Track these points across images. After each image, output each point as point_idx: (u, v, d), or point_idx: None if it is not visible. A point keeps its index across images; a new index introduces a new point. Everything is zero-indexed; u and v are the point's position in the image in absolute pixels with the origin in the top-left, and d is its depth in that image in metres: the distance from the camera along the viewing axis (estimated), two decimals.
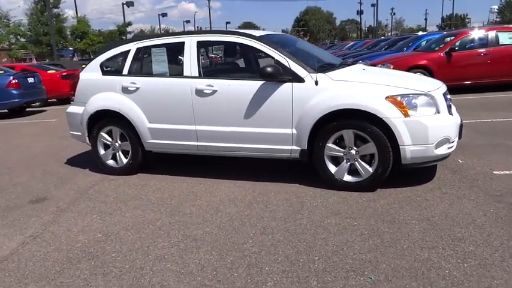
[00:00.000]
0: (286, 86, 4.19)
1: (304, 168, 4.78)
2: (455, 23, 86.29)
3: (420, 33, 24.54)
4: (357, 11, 78.23)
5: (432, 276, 2.59)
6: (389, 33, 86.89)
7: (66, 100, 14.80)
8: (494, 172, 4.40)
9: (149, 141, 4.92)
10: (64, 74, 14.17)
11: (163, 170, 5.20)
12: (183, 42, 4.72)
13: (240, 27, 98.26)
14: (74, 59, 25.82)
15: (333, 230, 3.31)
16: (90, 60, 5.49)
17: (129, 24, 41.71)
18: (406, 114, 3.84)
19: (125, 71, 5.00)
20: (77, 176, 5.29)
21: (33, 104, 13.71)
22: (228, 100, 4.44)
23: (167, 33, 5.24)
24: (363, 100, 3.92)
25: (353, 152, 4.08)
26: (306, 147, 4.22)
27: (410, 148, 3.86)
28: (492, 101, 8.84)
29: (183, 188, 4.56)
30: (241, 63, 5.33)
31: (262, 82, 4.28)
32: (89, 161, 5.91)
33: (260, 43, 4.43)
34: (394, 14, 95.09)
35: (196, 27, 70.10)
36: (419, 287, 2.49)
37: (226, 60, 5.42)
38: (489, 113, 7.37)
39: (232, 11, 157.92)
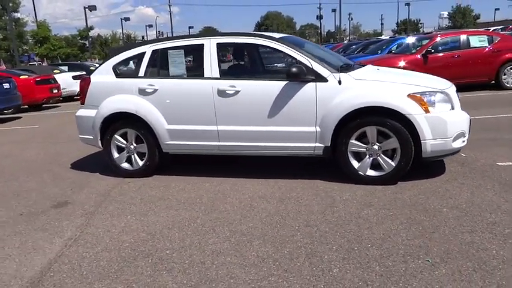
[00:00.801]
0: (310, 86, 4.36)
1: (319, 164, 4.97)
2: (409, 27, 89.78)
3: (383, 36, 25.50)
4: (317, 16, 79.89)
5: (483, 256, 2.81)
6: (347, 38, 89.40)
7: (39, 107, 14.39)
8: (498, 164, 4.74)
9: (168, 142, 4.95)
10: (38, 79, 13.73)
11: (179, 172, 5.23)
12: (202, 44, 4.80)
13: (200, 32, 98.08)
14: (44, 64, 24.94)
15: (373, 220, 3.50)
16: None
17: (91, 28, 40.74)
18: (426, 111, 4.10)
19: (141, 73, 5.01)
20: (90, 180, 5.23)
21: (6, 111, 13.19)
22: (251, 100, 4.56)
23: (184, 36, 5.29)
24: (386, 98, 4.15)
25: (375, 147, 4.30)
26: (329, 144, 4.39)
27: (430, 142, 4.12)
28: (471, 100, 9.37)
29: (208, 188, 4.62)
30: (261, 64, 5.46)
31: (285, 82, 4.43)
32: (95, 164, 5.86)
33: (281, 44, 4.58)
34: (352, 19, 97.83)
35: (157, 32, 69.34)
36: (474, 266, 2.71)
37: (246, 62, 5.52)
38: (476, 111, 7.83)
39: (191, 16, 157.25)
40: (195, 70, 4.94)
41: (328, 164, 4.84)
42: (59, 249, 3.37)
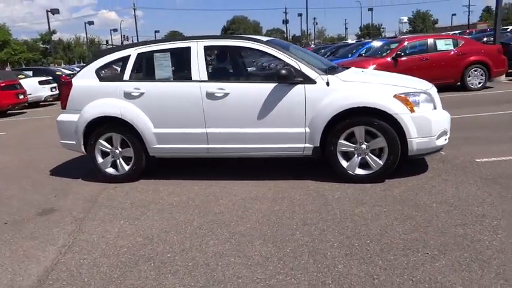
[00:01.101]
0: (299, 88, 4.43)
1: (308, 165, 5.05)
2: (372, 32, 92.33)
3: (349, 41, 26.13)
4: (283, 21, 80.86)
5: (477, 247, 2.95)
6: (312, 42, 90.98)
7: (4, 113, 13.85)
8: (476, 160, 4.97)
9: (155, 146, 4.90)
10: (3, 85, 13.22)
11: (166, 175, 5.18)
12: (189, 47, 4.79)
13: (166, 36, 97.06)
14: (7, 69, 23.91)
15: (368, 217, 3.59)
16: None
17: (54, 32, 39.58)
18: (412, 110, 4.26)
19: (126, 76, 4.94)
20: (73, 186, 5.10)
21: None
22: (241, 102, 4.58)
23: (169, 39, 5.29)
24: (374, 99, 4.27)
25: (364, 146, 4.41)
26: (318, 145, 4.48)
27: (416, 140, 4.28)
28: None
29: (198, 191, 4.61)
30: (248, 66, 5.49)
31: (274, 84, 4.48)
32: (75, 170, 5.73)
33: (269, 47, 4.64)
34: (317, 23, 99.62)
35: (122, 36, 68.15)
36: (471, 257, 2.84)
37: (233, 64, 5.53)
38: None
39: (155, 20, 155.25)
40: (182, 73, 4.92)
41: (317, 164, 4.93)
42: (54, 257, 3.28)
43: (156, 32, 69.11)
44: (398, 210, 3.68)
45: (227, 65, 5.44)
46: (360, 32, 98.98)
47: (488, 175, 4.43)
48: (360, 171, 4.48)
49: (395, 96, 4.27)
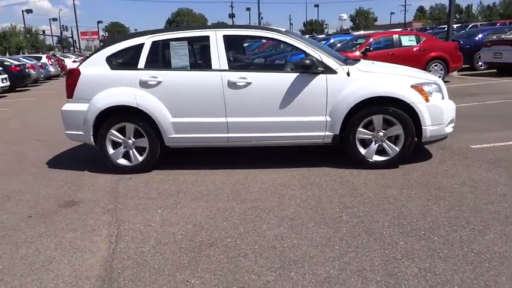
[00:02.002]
0: (321, 77, 4.58)
1: (315, 153, 5.24)
2: (315, 28, 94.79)
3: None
4: (229, 14, 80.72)
5: None
6: None
7: None
8: (471, 146, 5.39)
9: (172, 136, 4.85)
10: None
11: (177, 165, 5.14)
12: (208, 36, 4.78)
13: (107, 27, 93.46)
14: None
15: (402, 199, 3.83)
16: None
17: None
18: (426, 100, 4.55)
19: (141, 64, 4.84)
20: (83, 179, 4.92)
21: None
22: (263, 92, 4.66)
23: (185, 27, 5.21)
24: (394, 89, 4.52)
25: (381, 134, 4.66)
26: (338, 133, 4.66)
27: (430, 128, 4.58)
28: None
29: (221, 179, 4.63)
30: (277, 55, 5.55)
31: (296, 74, 4.61)
32: (73, 162, 5.57)
33: (289, 37, 4.75)
34: (262, 18, 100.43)
35: (61, 27, 64.69)
36: None
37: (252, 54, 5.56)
38: None
39: (94, 10, 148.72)
40: (201, 62, 4.90)
41: (324, 152, 5.12)
42: (107, 247, 3.20)
43: (99, 22, 66.36)
44: (426, 192, 3.95)
45: (246, 55, 5.47)
46: (303, 28, 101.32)
47: (489, 159, 4.83)
48: (377, 158, 4.72)
49: (412, 86, 4.55)
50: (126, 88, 4.82)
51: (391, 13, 76.34)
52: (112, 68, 4.91)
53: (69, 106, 5.04)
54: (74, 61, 27.09)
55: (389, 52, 11.89)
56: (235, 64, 4.92)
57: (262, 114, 4.70)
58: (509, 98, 8.94)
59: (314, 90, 4.60)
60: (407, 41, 12.17)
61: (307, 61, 4.48)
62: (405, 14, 75.08)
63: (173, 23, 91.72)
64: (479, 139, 5.64)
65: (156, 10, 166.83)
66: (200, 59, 4.97)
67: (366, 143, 4.73)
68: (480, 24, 28.05)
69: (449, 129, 4.77)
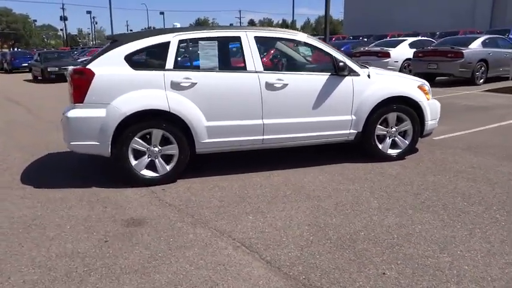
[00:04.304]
0: (348, 79, 4.94)
1: (322, 151, 5.57)
2: None
3: None
4: (60, 17, 74.37)
5: None
6: (91, 42, 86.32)
7: None
8: (434, 138, 6.38)
9: (205, 141, 4.58)
10: None
11: (194, 174, 4.84)
12: (239, 37, 4.68)
13: None
14: None
15: (442, 184, 4.40)
16: None
17: None
18: (428, 98, 5.31)
19: (169, 65, 4.45)
20: (109, 196, 4.27)
21: None
22: (298, 93, 4.78)
23: (213, 27, 4.90)
24: (407, 89, 5.15)
25: (394, 129, 5.24)
26: (361, 130, 5.08)
27: (430, 122, 5.35)
28: None
29: (266, 182, 4.57)
30: (294, 58, 5.55)
31: (327, 76, 4.87)
32: (76, 177, 4.75)
33: (318, 42, 4.98)
34: (96, 23, 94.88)
35: None
36: None
37: (283, 56, 5.46)
38: None
39: None
40: (233, 63, 4.73)
41: (324, 150, 5.50)
42: (251, 258, 2.98)
43: None
44: (456, 176, 4.63)
45: (278, 56, 5.43)
46: None
47: (461, 147, 5.84)
48: (391, 151, 5.28)
49: (418, 87, 5.25)
50: (156, 90, 4.37)
51: (230, 24, 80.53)
52: (134, 68, 4.39)
53: (78, 112, 4.30)
54: None
55: None
56: (269, 65, 4.89)
57: (297, 115, 4.81)
58: None
59: (343, 91, 4.92)
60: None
61: (341, 64, 4.78)
62: (240, 25, 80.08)
63: None
64: (437, 132, 6.65)
65: None
66: (231, 59, 4.79)
67: (380, 139, 5.24)
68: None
69: (436, 124, 5.62)
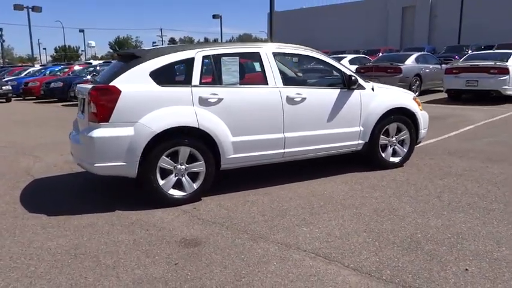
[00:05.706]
0: (356, 93, 5.21)
1: (325, 162, 5.79)
2: (70, 54, 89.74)
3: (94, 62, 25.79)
4: None
5: None
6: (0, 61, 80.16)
7: None
8: (416, 146, 6.86)
9: (230, 156, 4.55)
10: None
11: (216, 191, 4.78)
12: (258, 53, 4.76)
13: None
14: None
15: (453, 186, 4.79)
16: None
17: None
18: (421, 109, 5.76)
19: (195, 81, 4.39)
20: (144, 219, 4.06)
21: None
22: (316, 106, 4.95)
23: (233, 42, 4.88)
24: (406, 101, 5.55)
25: (394, 139, 5.60)
26: (368, 140, 5.36)
27: (422, 131, 5.80)
28: None
29: (292, 195, 4.64)
30: (310, 73, 5.63)
31: (339, 90, 5.10)
32: (100, 203, 4.45)
33: (330, 58, 5.21)
34: (4, 41, 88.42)
35: None
36: None
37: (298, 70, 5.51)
38: None
39: None
40: (254, 78, 4.77)
41: (327, 162, 5.74)
42: (376, 267, 3.04)
43: None
44: (460, 179, 5.06)
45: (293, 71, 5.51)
46: (55, 54, 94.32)
47: (453, 152, 6.36)
48: (392, 159, 5.62)
49: (413, 98, 5.68)
50: (184, 107, 4.28)
51: (153, 42, 79.35)
52: (160, 84, 4.26)
53: (104, 132, 4.07)
54: None
55: None
56: (286, 80, 4.98)
57: (313, 127, 4.96)
58: None
59: (353, 104, 5.18)
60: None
61: (353, 78, 5.04)
62: (162, 43, 79.25)
63: None
64: None
65: None
66: (251, 75, 4.81)
67: (383, 148, 5.56)
68: None
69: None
